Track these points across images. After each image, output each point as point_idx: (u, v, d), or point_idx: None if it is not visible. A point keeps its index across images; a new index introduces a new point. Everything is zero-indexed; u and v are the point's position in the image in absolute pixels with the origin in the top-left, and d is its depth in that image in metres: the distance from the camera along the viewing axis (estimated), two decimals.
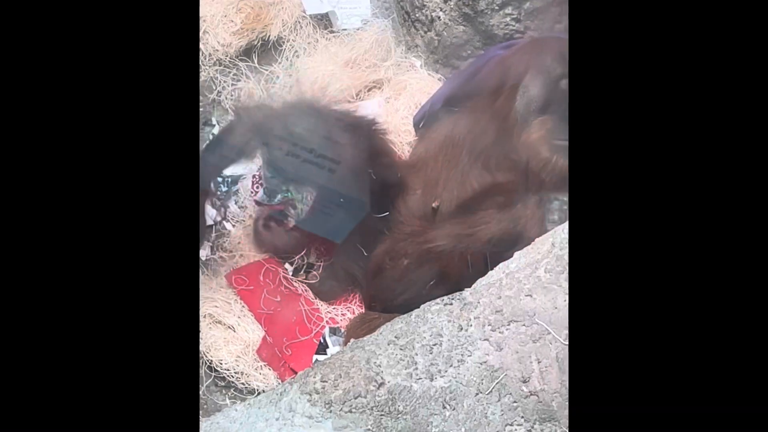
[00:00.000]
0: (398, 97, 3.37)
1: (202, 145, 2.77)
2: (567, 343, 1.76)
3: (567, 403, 1.74)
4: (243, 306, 2.85)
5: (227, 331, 2.81)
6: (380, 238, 2.76)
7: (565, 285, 1.80)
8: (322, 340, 2.80)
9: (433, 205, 2.69)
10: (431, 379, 1.79)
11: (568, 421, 1.63)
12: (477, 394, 1.77)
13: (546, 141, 2.55)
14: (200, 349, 2.70)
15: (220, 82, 3.42)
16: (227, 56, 3.45)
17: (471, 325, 1.83)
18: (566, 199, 2.16)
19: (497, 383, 1.77)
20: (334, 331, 2.83)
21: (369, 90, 3.44)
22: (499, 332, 1.81)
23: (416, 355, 1.82)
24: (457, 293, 1.92)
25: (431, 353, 1.82)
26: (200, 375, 2.69)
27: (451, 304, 1.89)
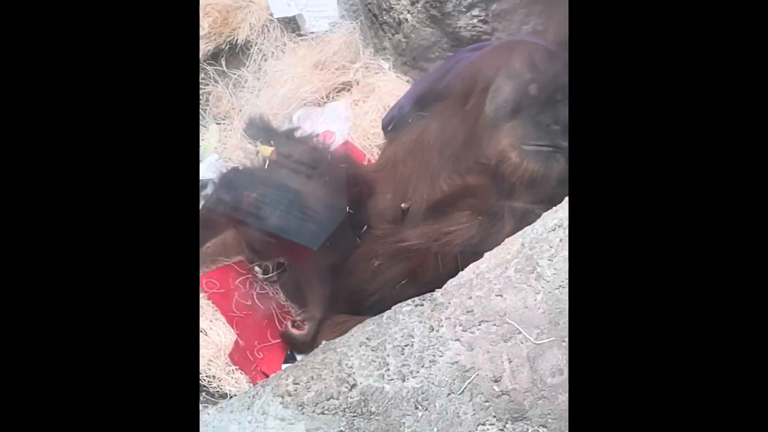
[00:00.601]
0: (367, 99, 3.36)
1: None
2: (538, 342, 1.77)
3: (539, 401, 1.75)
4: (215, 310, 2.84)
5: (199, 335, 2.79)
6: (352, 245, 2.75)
7: (536, 284, 1.81)
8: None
9: (403, 206, 2.69)
10: (403, 380, 1.79)
11: (568, 423, 1.63)
12: (449, 394, 1.78)
13: (516, 146, 2.55)
14: None
15: None
16: None
17: (442, 326, 1.84)
18: (533, 207, 2.17)
19: (469, 383, 1.78)
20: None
21: (338, 92, 3.44)
22: (470, 332, 1.81)
23: (388, 356, 1.82)
24: (428, 294, 1.93)
25: (403, 354, 1.82)
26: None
27: (422, 305, 1.90)
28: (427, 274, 2.45)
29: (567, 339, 1.75)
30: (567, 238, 1.84)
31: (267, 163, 2.79)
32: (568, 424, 1.72)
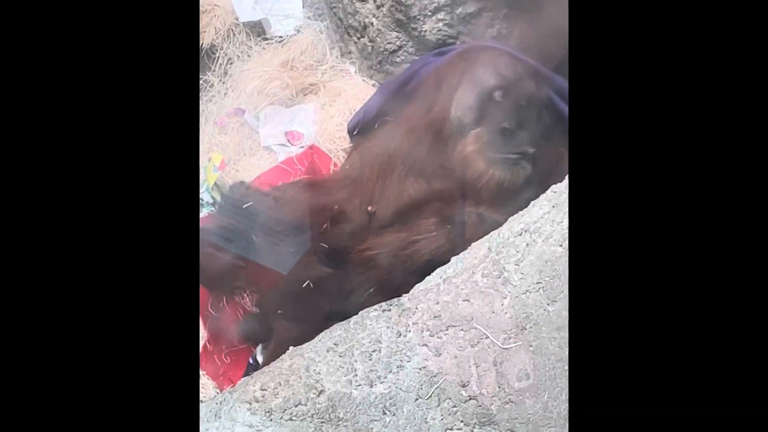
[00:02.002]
0: (333, 103, 3.37)
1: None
2: (505, 346, 1.78)
3: (506, 406, 1.76)
4: None
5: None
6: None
7: (502, 289, 1.82)
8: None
9: (369, 209, 2.69)
10: (371, 386, 1.80)
11: (568, 423, 1.63)
12: (417, 399, 1.78)
13: (482, 153, 2.56)
14: None
15: None
16: None
17: (410, 331, 1.84)
18: (500, 217, 2.18)
19: (436, 388, 1.78)
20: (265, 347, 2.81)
21: (305, 95, 3.44)
22: (438, 337, 1.82)
23: (355, 361, 1.82)
24: (395, 299, 1.93)
25: (370, 360, 1.82)
26: None
27: (390, 310, 1.90)
28: (394, 282, 2.45)
29: (534, 343, 1.76)
30: (533, 243, 1.85)
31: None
32: (535, 428, 1.74)
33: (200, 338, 2.79)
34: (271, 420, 1.76)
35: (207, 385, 2.72)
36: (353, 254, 2.62)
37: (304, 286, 2.53)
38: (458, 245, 2.22)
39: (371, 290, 2.54)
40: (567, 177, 1.87)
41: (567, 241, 1.79)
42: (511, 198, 2.46)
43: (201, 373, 2.73)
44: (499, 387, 1.77)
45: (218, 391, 2.65)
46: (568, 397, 1.72)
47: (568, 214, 1.82)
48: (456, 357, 1.80)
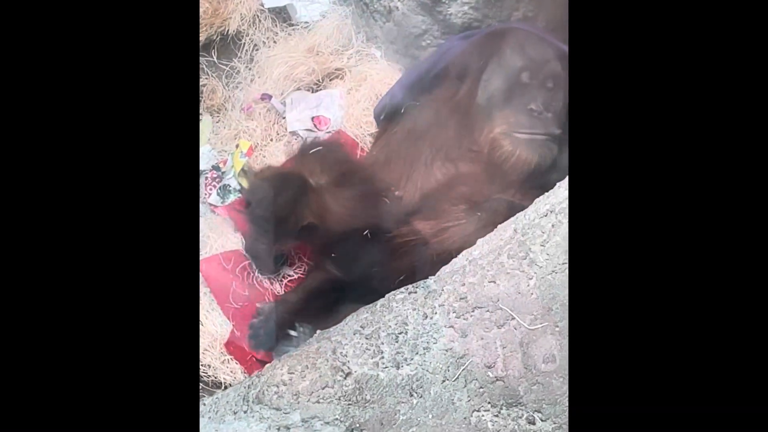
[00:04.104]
0: (359, 88, 3.36)
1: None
2: (531, 327, 1.77)
3: (533, 387, 1.75)
4: (211, 300, 2.85)
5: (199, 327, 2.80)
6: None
7: (528, 270, 1.81)
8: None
9: (396, 193, 2.69)
10: (397, 368, 1.80)
11: (568, 420, 1.63)
12: (443, 381, 1.78)
13: (508, 135, 2.57)
14: None
15: None
16: None
17: (436, 313, 1.84)
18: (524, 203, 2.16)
19: (463, 370, 1.78)
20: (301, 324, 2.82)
21: (331, 80, 3.44)
22: (464, 319, 1.82)
23: (382, 344, 1.83)
24: (422, 281, 1.93)
25: (397, 342, 1.82)
26: None
27: (416, 292, 1.90)
28: (424, 270, 2.44)
29: (560, 324, 1.75)
30: (559, 224, 1.84)
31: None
32: (562, 410, 1.74)
33: (227, 325, 2.81)
34: (298, 402, 1.76)
35: (236, 369, 2.73)
36: (384, 240, 2.62)
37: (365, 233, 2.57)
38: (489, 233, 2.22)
39: (402, 278, 2.54)
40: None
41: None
42: (538, 180, 2.45)
43: (229, 357, 2.75)
44: (525, 368, 1.76)
45: (246, 375, 2.67)
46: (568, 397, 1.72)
47: (568, 209, 1.81)
48: (482, 338, 1.79)
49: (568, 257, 1.75)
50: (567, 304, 1.76)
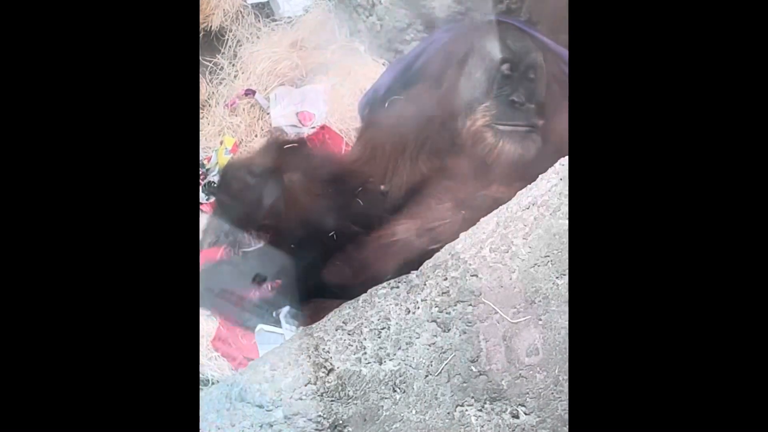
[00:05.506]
0: (343, 83, 3.36)
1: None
2: (514, 321, 1.77)
3: (516, 381, 1.75)
4: None
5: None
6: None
7: (510, 263, 1.81)
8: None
9: (381, 188, 2.68)
10: (380, 363, 1.80)
11: (568, 417, 1.62)
12: (426, 376, 1.78)
13: (491, 127, 2.56)
14: None
15: None
16: None
17: (418, 308, 1.84)
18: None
19: (446, 364, 1.78)
20: (294, 315, 2.80)
21: (315, 75, 3.43)
22: (447, 313, 1.82)
23: (364, 339, 1.82)
24: (404, 276, 1.93)
25: (379, 337, 1.82)
26: None
27: (398, 287, 1.90)
28: (410, 269, 2.43)
29: (543, 317, 1.75)
30: (541, 216, 1.84)
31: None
32: (546, 403, 1.73)
33: (214, 322, 2.80)
34: (281, 399, 1.76)
35: (223, 366, 2.73)
36: (369, 239, 2.61)
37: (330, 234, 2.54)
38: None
39: (388, 277, 2.53)
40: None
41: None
42: (522, 173, 2.45)
43: (216, 354, 2.74)
44: (509, 362, 1.76)
45: (234, 371, 2.66)
46: (568, 397, 1.72)
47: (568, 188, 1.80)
48: (465, 332, 1.79)
49: (568, 256, 1.75)
50: (549, 297, 1.76)
